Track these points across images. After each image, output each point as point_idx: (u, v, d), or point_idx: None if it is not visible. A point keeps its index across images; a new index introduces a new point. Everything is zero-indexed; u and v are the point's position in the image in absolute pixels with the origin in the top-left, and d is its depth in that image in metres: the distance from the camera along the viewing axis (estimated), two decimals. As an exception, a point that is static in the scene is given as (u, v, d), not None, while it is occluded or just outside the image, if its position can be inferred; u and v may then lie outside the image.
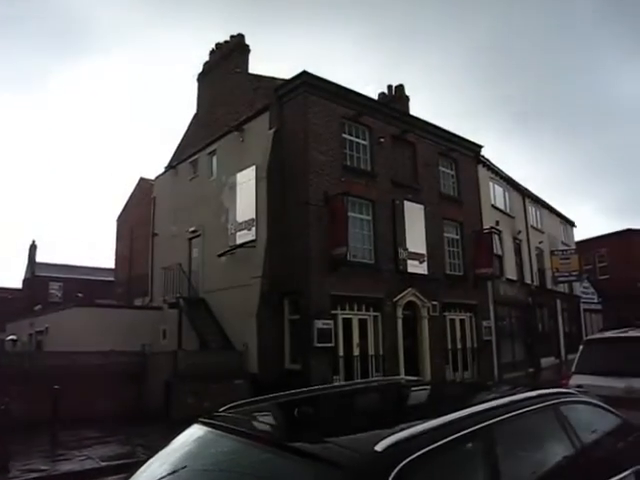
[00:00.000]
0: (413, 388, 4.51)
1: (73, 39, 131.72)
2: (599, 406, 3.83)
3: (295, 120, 16.87)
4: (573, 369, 7.65)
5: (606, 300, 37.90)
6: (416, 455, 2.22)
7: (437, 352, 19.10)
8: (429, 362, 18.64)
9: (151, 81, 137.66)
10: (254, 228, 16.95)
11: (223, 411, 3.15)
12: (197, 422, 3.02)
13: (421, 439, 2.30)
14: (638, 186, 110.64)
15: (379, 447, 2.16)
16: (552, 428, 3.16)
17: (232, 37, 20.92)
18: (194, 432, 2.94)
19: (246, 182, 17.64)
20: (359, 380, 14.13)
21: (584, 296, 35.51)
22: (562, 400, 3.37)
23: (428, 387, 5.08)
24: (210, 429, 2.88)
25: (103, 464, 9.40)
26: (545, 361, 27.36)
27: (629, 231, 42.28)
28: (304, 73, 16.67)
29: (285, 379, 14.96)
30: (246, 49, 20.47)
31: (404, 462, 2.17)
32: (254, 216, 17.02)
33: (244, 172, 17.79)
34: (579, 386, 6.99)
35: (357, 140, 18.11)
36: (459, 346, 20.65)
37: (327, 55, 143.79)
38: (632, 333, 8.03)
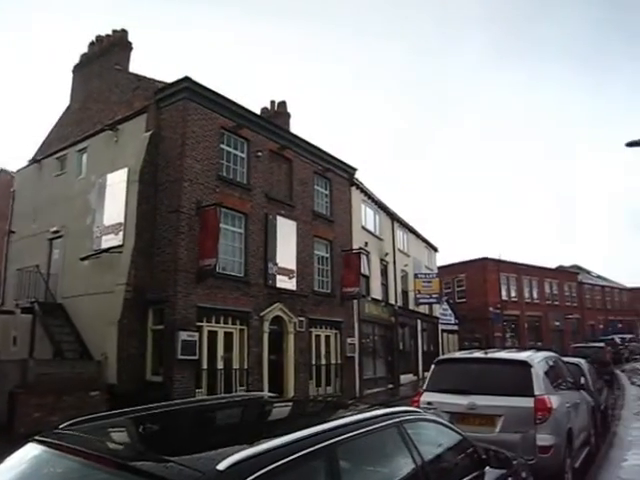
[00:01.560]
0: (270, 405, 4.52)
1: None
2: (441, 423, 4.08)
3: (173, 125, 16.48)
4: (424, 387, 7.94)
5: (462, 322, 40.35)
6: (259, 473, 2.22)
7: (302, 367, 19.31)
8: (293, 377, 18.78)
9: (19, 66, 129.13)
10: (122, 233, 16.27)
11: (64, 428, 2.93)
12: (32, 440, 2.78)
13: (265, 457, 2.31)
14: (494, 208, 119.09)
15: (221, 466, 2.13)
16: (396, 445, 3.29)
17: (115, 31, 20.02)
18: (28, 451, 2.71)
19: (117, 184, 16.91)
20: (219, 395, 13.94)
21: (443, 317, 37.56)
22: (406, 418, 3.51)
23: (285, 404, 5.10)
24: (46, 448, 2.67)
25: None
26: (404, 378, 28.52)
27: (485, 259, 45.47)
28: (186, 79, 16.36)
29: (145, 391, 14.41)
30: (128, 46, 19.70)
31: None
32: (122, 220, 16.34)
33: (115, 173, 17.05)
34: (429, 403, 7.33)
35: (235, 152, 18.02)
36: (323, 362, 21.00)
37: (216, 65, 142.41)
38: (476, 354, 8.56)
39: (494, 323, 42.83)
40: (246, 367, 16.97)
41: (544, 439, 6.57)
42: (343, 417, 3.18)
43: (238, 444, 2.43)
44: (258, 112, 21.28)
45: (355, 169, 24.45)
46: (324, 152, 22.32)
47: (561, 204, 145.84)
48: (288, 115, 24.44)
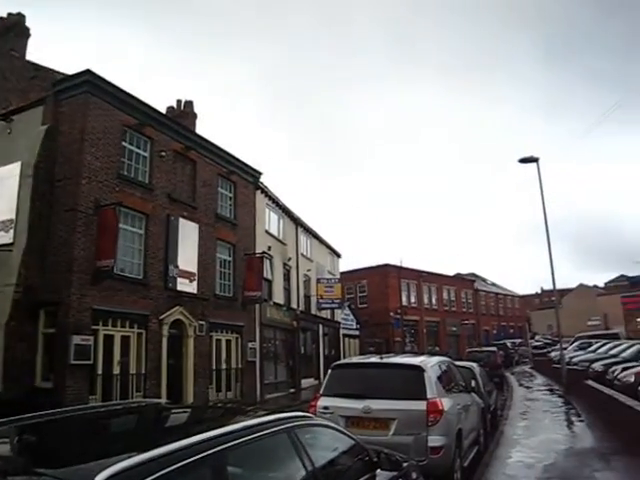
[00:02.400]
0: (163, 412, 4.41)
1: None
2: (333, 428, 4.12)
3: (72, 120, 15.77)
4: (321, 391, 7.97)
5: (363, 326, 41.16)
6: None
7: (202, 372, 19.03)
8: (193, 382, 18.44)
9: None
10: (12, 230, 15.39)
11: None
12: None
13: (149, 466, 2.25)
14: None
15: (100, 477, 2.07)
16: (287, 451, 3.28)
17: (10, 15, 18.83)
18: None
19: (8, 178, 15.96)
20: (112, 402, 13.46)
21: (344, 322, 38.17)
22: (297, 424, 3.52)
23: (178, 411, 4.97)
24: None
25: None
26: (305, 382, 28.65)
27: (386, 265, 46.66)
28: (88, 72, 15.71)
29: (35, 399, 13.60)
30: (26, 32, 18.50)
31: None
32: (14, 217, 15.45)
33: (7, 167, 16.09)
34: (325, 407, 7.41)
35: (137, 150, 17.50)
36: (224, 366, 20.80)
37: (123, 62, 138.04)
38: (372, 359, 8.75)
39: (394, 328, 43.96)
40: (144, 372, 16.48)
41: (435, 440, 6.83)
42: (233, 424, 3.14)
43: (123, 453, 2.36)
44: (163, 111, 20.82)
45: (260, 173, 24.44)
46: (229, 154, 22.15)
47: (463, 215, 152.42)
48: (194, 116, 24.06)
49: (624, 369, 15.06)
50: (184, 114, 23.42)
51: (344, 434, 4.20)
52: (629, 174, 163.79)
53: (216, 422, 3.82)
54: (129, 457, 2.27)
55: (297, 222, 30.36)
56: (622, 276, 79.98)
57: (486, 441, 10.48)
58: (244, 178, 23.36)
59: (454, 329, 54.13)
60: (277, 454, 3.31)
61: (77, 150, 15.40)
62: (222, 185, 21.96)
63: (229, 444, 2.76)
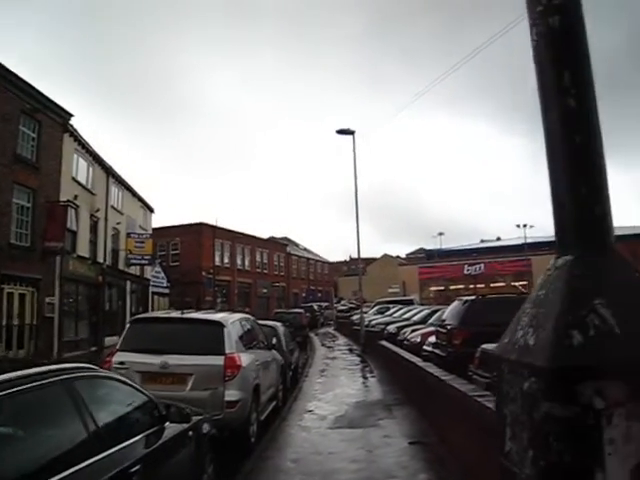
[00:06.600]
0: None
1: None
2: (119, 381, 3.99)
3: None
4: (118, 346, 7.63)
5: (174, 285, 40.38)
6: None
7: (-12, 328, 17.30)
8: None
9: None
10: None
11: None
12: None
13: None
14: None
15: None
16: (63, 405, 3.04)
17: None
18: None
19: None
20: None
21: (154, 280, 37.15)
22: (77, 375, 3.29)
23: None
24: None
25: None
26: (109, 340, 27.29)
27: (201, 224, 46.16)
28: None
29: None
30: None
31: None
32: None
33: None
34: (121, 363, 7.09)
35: None
36: (16, 322, 19.15)
37: None
38: (172, 314, 8.58)
39: (206, 287, 43.77)
40: None
41: (231, 395, 6.93)
42: None
43: None
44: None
45: (71, 115, 22.58)
46: (35, 89, 20.05)
47: (282, 181, 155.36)
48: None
49: (413, 330, 16.51)
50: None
51: (132, 387, 4.10)
52: (432, 156, 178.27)
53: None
54: None
55: (109, 172, 28.67)
56: (421, 249, 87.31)
57: (285, 396, 10.97)
58: (51, 118, 21.36)
59: (265, 291, 55.29)
60: (51, 409, 3.02)
61: None
62: (25, 123, 19.86)
63: None
